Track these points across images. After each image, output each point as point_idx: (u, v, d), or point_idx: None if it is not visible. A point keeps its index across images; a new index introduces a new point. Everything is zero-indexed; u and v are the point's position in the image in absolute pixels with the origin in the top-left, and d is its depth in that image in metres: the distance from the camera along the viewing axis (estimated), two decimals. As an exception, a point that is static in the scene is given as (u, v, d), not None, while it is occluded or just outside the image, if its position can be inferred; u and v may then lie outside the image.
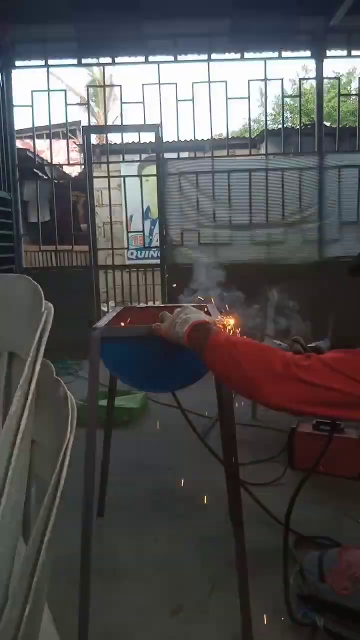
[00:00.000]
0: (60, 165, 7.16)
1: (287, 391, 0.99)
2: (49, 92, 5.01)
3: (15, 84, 5.10)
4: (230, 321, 1.44)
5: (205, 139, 5.43)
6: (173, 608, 1.49)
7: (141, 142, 6.00)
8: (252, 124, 6.07)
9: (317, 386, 0.98)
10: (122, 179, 5.38)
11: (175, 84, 4.96)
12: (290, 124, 11.02)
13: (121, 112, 5.18)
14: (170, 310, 1.31)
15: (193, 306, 1.34)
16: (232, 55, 5.04)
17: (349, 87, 13.14)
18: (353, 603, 1.11)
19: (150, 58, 5.04)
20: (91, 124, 10.02)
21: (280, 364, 1.00)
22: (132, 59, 5.12)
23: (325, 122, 5.31)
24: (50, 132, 5.15)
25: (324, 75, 5.17)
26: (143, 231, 5.65)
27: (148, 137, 6.47)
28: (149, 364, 1.38)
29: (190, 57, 5.06)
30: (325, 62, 5.04)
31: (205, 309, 1.71)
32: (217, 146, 5.39)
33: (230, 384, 1.17)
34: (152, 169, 5.40)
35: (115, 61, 5.11)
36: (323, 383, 0.97)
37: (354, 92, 5.64)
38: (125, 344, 1.36)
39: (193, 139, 5.07)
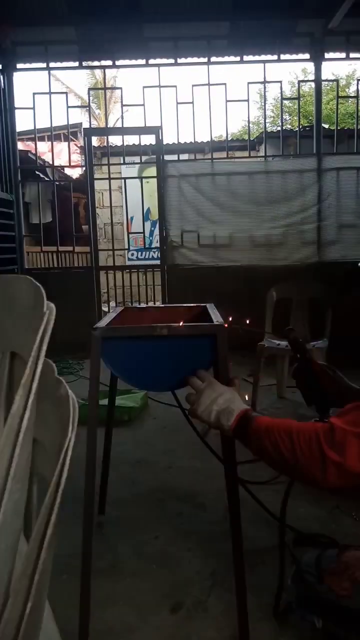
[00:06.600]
0: (62, 167, 7.19)
1: (329, 475, 0.98)
2: (50, 95, 5.03)
3: (16, 86, 5.13)
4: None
5: (205, 141, 5.45)
6: (173, 606, 1.51)
7: (142, 144, 6.03)
8: (251, 126, 6.10)
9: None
10: (122, 180, 5.41)
11: (176, 86, 4.98)
12: (289, 126, 11.06)
13: (122, 115, 5.20)
14: (171, 311, 1.30)
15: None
16: (232, 58, 5.06)
17: (347, 90, 13.15)
18: (353, 604, 1.12)
19: (151, 61, 5.06)
20: (92, 126, 10.07)
21: (311, 455, 0.98)
22: (133, 61, 5.14)
23: (323, 124, 5.33)
24: (52, 134, 5.17)
25: (323, 78, 5.18)
26: (143, 232, 5.66)
27: (148, 139, 6.52)
28: (148, 363, 1.40)
29: (190, 59, 5.08)
30: (325, 64, 5.06)
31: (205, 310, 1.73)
32: (217, 148, 5.41)
33: (280, 472, 1.15)
34: (152, 170, 5.41)
35: (116, 64, 5.13)
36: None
37: (352, 94, 5.65)
38: (126, 344, 1.38)
39: (193, 141, 5.09)
